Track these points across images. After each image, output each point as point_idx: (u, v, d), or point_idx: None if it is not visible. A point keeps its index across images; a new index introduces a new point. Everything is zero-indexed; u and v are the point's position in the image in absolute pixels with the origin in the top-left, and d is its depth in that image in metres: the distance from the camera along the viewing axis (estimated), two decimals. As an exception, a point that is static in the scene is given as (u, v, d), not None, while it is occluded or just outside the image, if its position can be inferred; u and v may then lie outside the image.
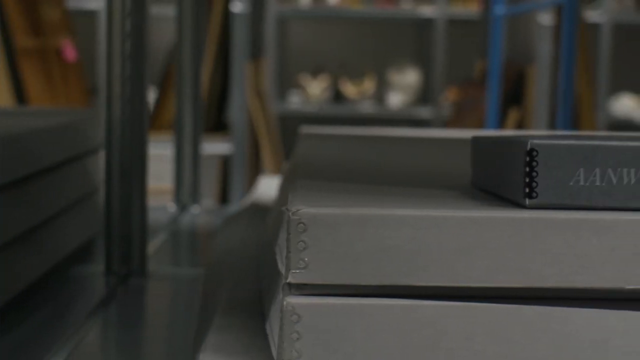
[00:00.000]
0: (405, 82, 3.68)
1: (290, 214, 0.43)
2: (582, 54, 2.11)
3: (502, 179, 0.48)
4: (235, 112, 2.04)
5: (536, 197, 0.44)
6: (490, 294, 0.44)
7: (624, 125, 3.51)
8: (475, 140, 0.54)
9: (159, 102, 2.15)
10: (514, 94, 2.17)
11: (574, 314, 0.44)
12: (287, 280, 0.43)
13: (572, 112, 2.13)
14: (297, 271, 0.43)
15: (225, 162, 2.15)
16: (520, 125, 2.12)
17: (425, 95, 3.76)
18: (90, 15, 3.44)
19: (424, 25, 3.79)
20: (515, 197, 0.46)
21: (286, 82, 3.82)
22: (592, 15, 3.56)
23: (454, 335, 0.43)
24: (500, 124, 2.17)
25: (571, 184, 0.44)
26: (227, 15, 2.06)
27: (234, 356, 0.47)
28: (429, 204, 0.45)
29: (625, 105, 3.64)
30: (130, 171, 0.76)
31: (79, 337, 0.61)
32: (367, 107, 3.66)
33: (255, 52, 2.44)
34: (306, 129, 1.05)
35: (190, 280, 0.78)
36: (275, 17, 3.52)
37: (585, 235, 0.43)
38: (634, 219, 0.43)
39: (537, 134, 0.59)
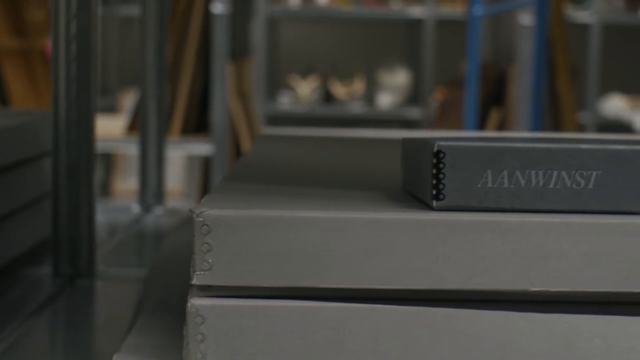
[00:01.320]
0: (395, 82, 3.68)
1: (194, 216, 0.43)
2: (564, 54, 2.11)
3: (418, 180, 0.48)
4: (216, 113, 2.04)
5: (443, 199, 0.44)
6: (395, 295, 0.44)
7: (613, 125, 3.51)
8: (404, 142, 0.54)
9: (140, 105, 2.15)
10: (496, 95, 2.17)
11: (478, 315, 0.44)
12: (192, 282, 0.43)
13: (554, 113, 2.13)
14: (201, 273, 0.43)
15: (207, 163, 2.16)
16: (501, 125, 2.11)
17: (415, 95, 3.76)
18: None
19: (414, 25, 3.79)
20: (426, 199, 0.46)
21: (276, 83, 3.82)
22: (582, 15, 3.56)
23: (358, 337, 0.43)
24: (482, 125, 2.17)
25: (479, 185, 0.44)
26: (208, 16, 2.06)
27: (149, 358, 0.47)
28: (335, 206, 0.45)
29: (615, 105, 3.63)
30: (78, 173, 0.76)
31: (18, 337, 0.61)
32: (356, 108, 3.66)
33: (239, 52, 2.44)
34: (267, 130, 1.05)
35: (137, 281, 0.78)
36: (265, 17, 3.52)
37: (489, 237, 0.43)
38: (539, 221, 0.43)
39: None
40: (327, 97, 3.72)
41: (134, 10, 3.33)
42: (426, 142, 0.46)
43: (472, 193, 0.44)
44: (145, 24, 1.10)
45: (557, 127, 2.12)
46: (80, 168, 0.76)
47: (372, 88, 3.79)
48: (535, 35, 1.51)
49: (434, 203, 0.44)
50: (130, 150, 2.42)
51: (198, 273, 0.43)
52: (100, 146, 2.51)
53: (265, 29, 3.54)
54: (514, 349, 0.44)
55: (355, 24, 3.89)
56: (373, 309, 0.43)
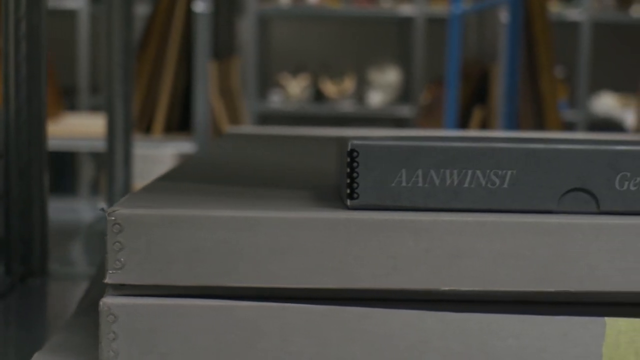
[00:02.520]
0: (385, 80, 3.68)
1: (106, 215, 0.43)
2: (548, 53, 2.11)
3: (341, 180, 0.48)
4: (199, 112, 2.04)
5: (357, 197, 0.44)
6: (306, 295, 0.44)
7: (604, 123, 3.51)
8: (337, 141, 0.54)
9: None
10: (480, 93, 2.16)
11: (390, 315, 0.44)
12: (105, 281, 0.43)
13: (537, 111, 2.13)
14: (114, 272, 0.43)
15: (190, 162, 2.15)
16: (484, 124, 2.11)
17: (405, 93, 3.75)
18: (70, 14, 3.45)
19: (404, 24, 3.79)
20: (343, 198, 0.46)
21: (267, 82, 3.82)
22: (572, 13, 3.56)
23: (270, 336, 0.43)
24: (465, 124, 2.17)
25: (393, 184, 0.44)
26: (190, 14, 2.06)
27: (69, 356, 0.47)
28: (251, 205, 0.45)
29: (606, 103, 3.63)
30: (30, 173, 0.76)
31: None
32: (347, 106, 3.66)
33: (225, 51, 2.44)
34: (232, 129, 1.05)
35: (89, 279, 0.78)
36: (255, 16, 3.52)
37: (401, 236, 0.43)
38: (451, 220, 0.43)
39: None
40: (318, 96, 3.72)
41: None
42: (345, 141, 0.46)
43: (387, 192, 0.44)
44: (111, 23, 1.11)
45: (540, 126, 2.12)
46: (32, 168, 0.76)
47: (362, 86, 3.79)
48: (508, 34, 1.50)
49: (348, 202, 0.44)
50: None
51: (110, 272, 0.43)
52: (89, 145, 2.49)
53: (255, 28, 3.53)
54: (427, 349, 0.44)
55: (345, 22, 3.89)
56: (284, 308, 0.43)
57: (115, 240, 0.43)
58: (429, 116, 2.49)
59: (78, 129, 2.25)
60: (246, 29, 3.53)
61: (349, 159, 0.44)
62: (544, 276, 0.43)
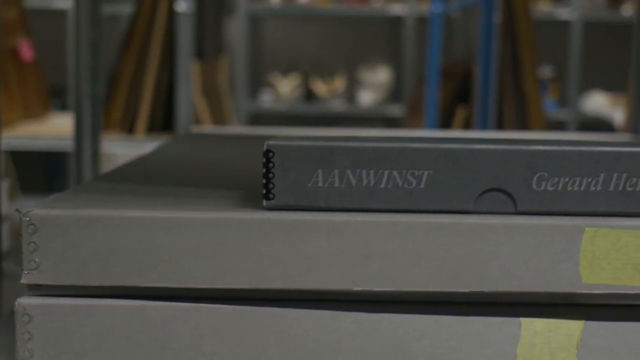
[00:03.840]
0: (376, 80, 3.68)
1: (21, 215, 0.44)
2: (530, 52, 2.11)
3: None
4: (181, 112, 2.04)
5: (273, 198, 0.44)
6: (220, 295, 0.44)
7: (594, 122, 3.51)
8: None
9: (109, 101, 2.15)
10: (463, 92, 2.16)
11: (304, 315, 0.44)
12: (20, 281, 0.44)
13: (520, 111, 2.13)
14: (28, 272, 0.43)
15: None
16: (467, 124, 2.11)
17: (396, 93, 3.75)
18: (58, 14, 3.45)
19: (394, 23, 3.79)
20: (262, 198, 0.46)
21: (258, 81, 3.82)
22: (563, 12, 3.56)
23: (183, 336, 0.43)
24: (449, 123, 2.17)
25: (309, 185, 0.44)
26: (173, 14, 2.06)
27: (-8, 357, 0.47)
28: (169, 206, 0.45)
29: (596, 102, 3.63)
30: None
31: None
32: (337, 106, 3.66)
33: (211, 50, 2.44)
34: (195, 129, 1.05)
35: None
36: (246, 15, 3.52)
37: (314, 236, 0.43)
38: (364, 220, 0.43)
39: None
40: (308, 95, 3.72)
41: (109, 9, 3.33)
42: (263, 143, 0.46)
43: (303, 192, 0.44)
44: (79, 22, 1.11)
45: (524, 126, 2.11)
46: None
47: (353, 85, 3.79)
48: (482, 32, 1.50)
49: (264, 202, 0.44)
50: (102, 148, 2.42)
51: (25, 272, 0.43)
52: (59, 145, 2.48)
53: (246, 27, 3.53)
54: (340, 349, 0.44)
55: (336, 21, 3.89)
56: (198, 308, 0.43)
57: (30, 240, 0.43)
58: (414, 115, 2.49)
59: (63, 128, 2.26)
60: (237, 29, 3.53)
61: (264, 160, 0.44)
62: (458, 277, 0.43)
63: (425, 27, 3.59)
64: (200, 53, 2.41)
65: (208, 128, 1.06)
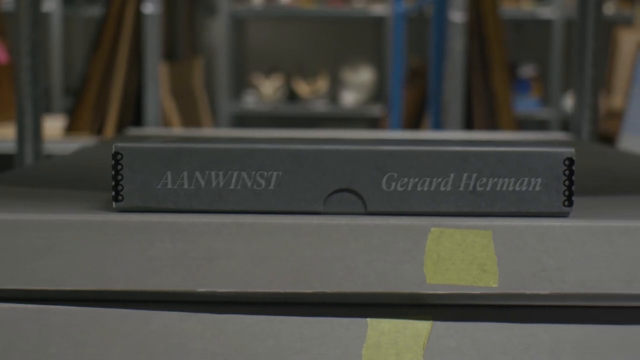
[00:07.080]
0: (359, 80, 3.68)
1: None
2: (499, 51, 2.11)
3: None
4: (149, 113, 2.04)
5: (122, 200, 0.45)
6: (65, 296, 0.44)
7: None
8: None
9: (78, 103, 2.16)
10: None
11: (149, 316, 0.44)
12: None
13: (490, 110, 2.13)
14: None
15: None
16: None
17: (378, 93, 3.76)
18: (43, 17, 3.45)
19: (377, 23, 3.79)
20: (117, 200, 0.46)
21: (241, 82, 3.83)
22: (545, 11, 3.56)
23: (30, 338, 0.44)
24: (420, 124, 2.17)
25: (159, 187, 0.45)
26: (140, 16, 2.06)
27: None
28: (21, 208, 0.45)
29: (579, 102, 3.63)
30: None
31: None
32: (320, 106, 3.66)
33: (184, 52, 2.44)
34: (133, 131, 1.05)
35: None
36: (228, 16, 3.52)
37: (158, 238, 0.44)
38: (208, 222, 0.44)
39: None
40: (291, 96, 3.73)
41: (96, 11, 3.34)
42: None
43: (152, 194, 0.44)
44: (18, 23, 1.11)
45: (494, 125, 2.11)
46: None
47: (336, 86, 3.79)
48: (433, 34, 1.50)
49: (114, 204, 0.44)
50: (69, 150, 2.42)
51: None
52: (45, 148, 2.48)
53: (229, 28, 3.54)
54: (186, 350, 0.44)
55: (318, 22, 3.89)
56: (43, 310, 0.44)
57: None
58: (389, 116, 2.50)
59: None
60: (219, 30, 3.53)
61: (113, 162, 0.44)
62: (301, 277, 0.44)
63: (408, 27, 3.59)
64: (171, 54, 2.41)
65: (148, 130, 1.07)
